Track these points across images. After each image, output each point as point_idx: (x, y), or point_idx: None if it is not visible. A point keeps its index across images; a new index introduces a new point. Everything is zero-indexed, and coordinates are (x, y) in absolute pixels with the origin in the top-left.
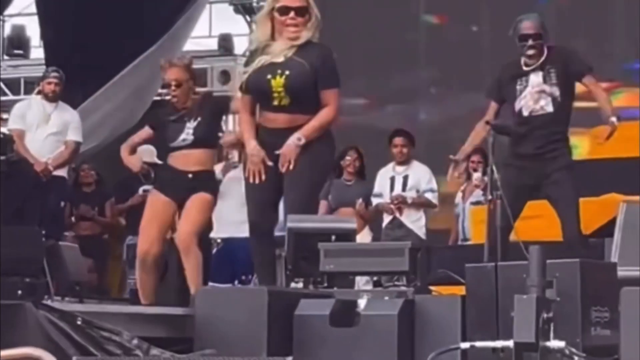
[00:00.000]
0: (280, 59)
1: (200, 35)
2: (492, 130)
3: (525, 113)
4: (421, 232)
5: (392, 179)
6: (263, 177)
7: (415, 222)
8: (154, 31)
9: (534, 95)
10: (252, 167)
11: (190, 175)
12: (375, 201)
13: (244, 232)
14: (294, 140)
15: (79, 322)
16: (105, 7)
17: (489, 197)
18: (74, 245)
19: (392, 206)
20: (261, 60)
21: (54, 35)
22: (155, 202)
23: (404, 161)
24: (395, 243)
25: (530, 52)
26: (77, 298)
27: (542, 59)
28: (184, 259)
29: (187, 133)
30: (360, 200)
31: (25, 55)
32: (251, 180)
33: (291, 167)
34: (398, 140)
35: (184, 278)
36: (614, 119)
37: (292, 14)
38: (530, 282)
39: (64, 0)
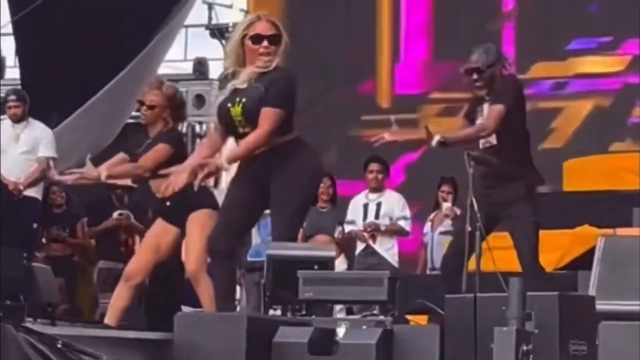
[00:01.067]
0: (244, 86)
1: (176, 59)
2: (471, 161)
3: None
4: (394, 260)
5: (366, 206)
6: (176, 189)
7: (389, 250)
8: (129, 52)
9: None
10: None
11: (168, 203)
12: (347, 228)
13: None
14: (220, 163)
15: (59, 345)
16: (81, 27)
17: (469, 228)
18: (46, 266)
19: (365, 234)
20: (228, 88)
21: (30, 54)
22: (157, 229)
23: (378, 188)
24: (374, 272)
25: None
26: (49, 320)
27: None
28: (195, 288)
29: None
30: (340, 228)
31: (0, 76)
32: (161, 190)
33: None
34: (374, 166)
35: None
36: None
37: (265, 42)
38: (510, 315)
39: (40, 20)
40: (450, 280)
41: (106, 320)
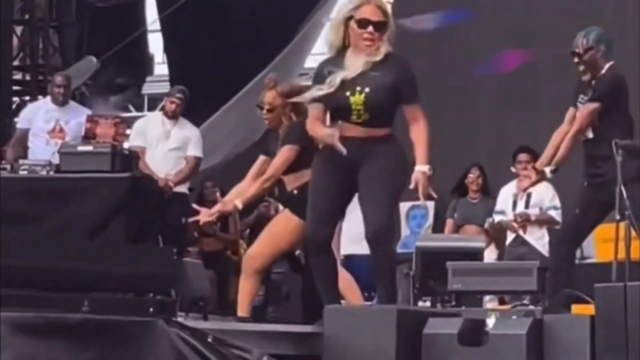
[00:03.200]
0: (358, 74)
1: (322, 52)
2: (620, 150)
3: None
4: (544, 250)
5: (515, 196)
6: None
7: (539, 239)
8: (273, 47)
9: None
10: (331, 141)
11: (295, 192)
12: (497, 218)
13: (364, 249)
14: (424, 170)
15: (209, 340)
16: (227, 23)
17: (617, 217)
18: (197, 261)
19: (515, 224)
20: (337, 76)
21: (179, 51)
22: (281, 219)
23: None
24: (524, 263)
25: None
26: (200, 314)
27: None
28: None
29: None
30: (491, 219)
31: (149, 72)
32: (340, 147)
33: (434, 194)
34: (523, 156)
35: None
36: None
37: (370, 27)
38: None
39: (188, 18)
40: (558, 270)
41: (239, 313)
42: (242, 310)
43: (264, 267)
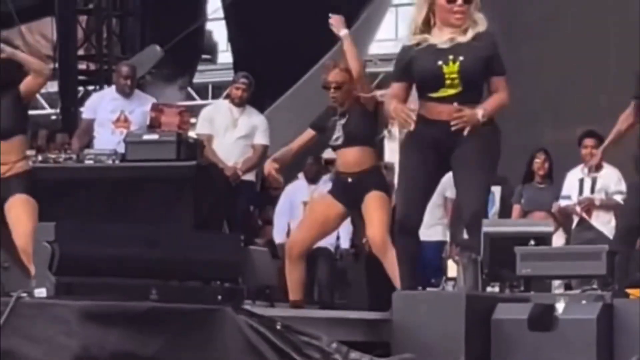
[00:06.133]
0: (448, 45)
1: (386, 38)
2: None
3: None
4: (611, 234)
5: (581, 181)
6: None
7: (606, 224)
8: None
9: None
10: (402, 116)
11: (349, 180)
12: (563, 203)
13: (431, 235)
14: (479, 112)
15: (278, 327)
16: (290, 9)
17: None
18: (264, 249)
19: (579, 209)
20: (427, 47)
21: (243, 40)
22: (322, 203)
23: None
24: (593, 247)
25: None
26: (267, 302)
27: None
28: (383, 262)
29: (339, 131)
30: (558, 203)
31: (213, 60)
32: (407, 120)
33: (465, 132)
34: (588, 141)
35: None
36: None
37: (459, 1)
38: None
39: (250, 4)
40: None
41: (291, 298)
42: (294, 295)
43: (306, 252)
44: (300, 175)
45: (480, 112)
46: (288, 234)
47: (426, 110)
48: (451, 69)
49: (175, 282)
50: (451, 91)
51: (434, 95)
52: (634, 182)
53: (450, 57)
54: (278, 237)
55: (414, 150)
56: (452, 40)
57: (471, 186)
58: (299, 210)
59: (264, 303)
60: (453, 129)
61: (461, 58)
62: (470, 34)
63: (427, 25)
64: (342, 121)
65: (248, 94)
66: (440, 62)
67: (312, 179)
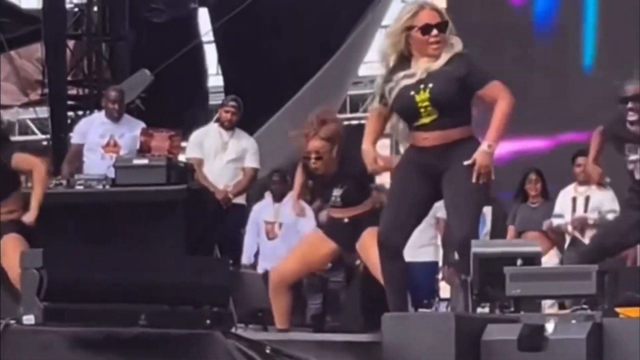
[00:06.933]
0: (422, 74)
1: (375, 60)
2: None
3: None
4: None
5: (574, 200)
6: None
7: None
8: (324, 54)
9: None
10: (368, 161)
11: (346, 220)
12: (555, 222)
13: (423, 256)
14: (484, 148)
15: (267, 351)
16: (278, 32)
17: None
18: (255, 272)
19: (570, 227)
20: (402, 79)
21: (233, 63)
22: (316, 241)
23: (586, 181)
24: (582, 267)
25: (631, 116)
26: (260, 325)
27: None
28: None
29: (336, 197)
30: (549, 220)
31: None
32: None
33: (492, 176)
34: (582, 159)
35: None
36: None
37: (434, 31)
38: None
39: (240, 27)
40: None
41: (278, 327)
42: (281, 323)
43: (293, 284)
44: (267, 194)
45: (485, 146)
46: (256, 254)
47: (413, 139)
48: (422, 97)
49: (164, 307)
50: (428, 119)
51: (415, 124)
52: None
53: (422, 85)
54: (246, 258)
55: (405, 174)
56: (427, 69)
57: (462, 209)
58: (263, 230)
59: (257, 326)
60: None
61: (431, 85)
62: (443, 59)
63: (402, 58)
64: (338, 191)
65: (237, 117)
66: (412, 93)
67: (279, 198)
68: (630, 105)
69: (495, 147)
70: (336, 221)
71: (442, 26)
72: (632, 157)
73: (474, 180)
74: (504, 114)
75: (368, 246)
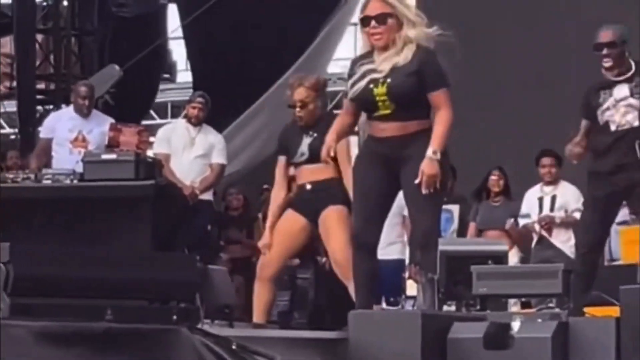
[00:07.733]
0: (382, 68)
1: (345, 57)
2: None
3: (613, 128)
4: (570, 252)
5: (541, 200)
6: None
7: (565, 242)
8: (295, 51)
9: (620, 109)
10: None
11: (308, 187)
12: (522, 222)
13: (390, 253)
14: (430, 155)
15: (233, 347)
16: (248, 28)
17: None
18: (222, 268)
19: (537, 226)
20: (363, 71)
21: (202, 59)
22: (287, 220)
23: (552, 181)
24: (548, 266)
25: (606, 62)
26: (226, 321)
27: (632, 71)
28: (347, 283)
29: (304, 147)
30: (511, 220)
31: (172, 79)
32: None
33: (438, 185)
34: (546, 160)
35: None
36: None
37: (373, 22)
38: None
39: (209, 24)
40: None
41: (255, 320)
42: (259, 317)
43: (277, 273)
44: None
45: (430, 153)
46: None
47: (372, 129)
48: (380, 91)
49: (130, 302)
50: (386, 111)
51: (374, 115)
52: (588, 197)
53: (381, 80)
54: None
55: (366, 167)
56: (389, 63)
57: (421, 206)
58: None
59: (223, 322)
60: (424, 191)
61: (389, 80)
62: (404, 54)
63: (367, 51)
64: (308, 139)
65: (204, 113)
66: (371, 86)
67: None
68: (605, 51)
69: (440, 153)
70: (300, 191)
71: (381, 17)
72: (606, 104)
73: (423, 191)
74: (445, 124)
75: (328, 227)
